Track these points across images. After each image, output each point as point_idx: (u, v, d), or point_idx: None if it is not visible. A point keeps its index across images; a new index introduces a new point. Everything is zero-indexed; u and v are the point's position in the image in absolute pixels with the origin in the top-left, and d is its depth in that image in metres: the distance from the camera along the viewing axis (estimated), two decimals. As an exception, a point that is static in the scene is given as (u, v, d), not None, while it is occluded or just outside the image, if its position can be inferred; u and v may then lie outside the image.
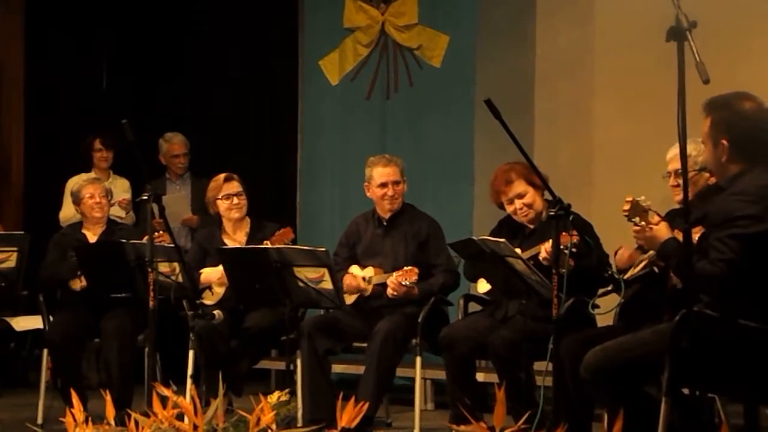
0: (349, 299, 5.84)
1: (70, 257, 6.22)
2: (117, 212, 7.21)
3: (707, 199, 4.35)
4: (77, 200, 6.53)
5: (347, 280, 5.87)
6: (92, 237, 6.49)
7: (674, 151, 4.76)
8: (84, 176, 7.16)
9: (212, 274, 6.09)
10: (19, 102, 8.07)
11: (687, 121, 3.49)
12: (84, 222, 6.57)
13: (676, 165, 4.72)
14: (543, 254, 5.07)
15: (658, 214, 4.18)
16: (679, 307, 3.65)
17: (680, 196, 4.52)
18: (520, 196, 5.39)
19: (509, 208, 5.45)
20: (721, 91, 3.90)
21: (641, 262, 4.52)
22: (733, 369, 3.72)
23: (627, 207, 4.13)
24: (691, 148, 4.49)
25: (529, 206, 5.40)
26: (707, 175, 4.54)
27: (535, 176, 4.94)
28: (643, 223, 4.11)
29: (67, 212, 7.39)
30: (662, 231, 4.08)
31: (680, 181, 4.38)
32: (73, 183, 6.97)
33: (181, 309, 5.91)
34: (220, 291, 6.09)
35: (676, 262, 3.98)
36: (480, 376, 5.68)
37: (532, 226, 5.43)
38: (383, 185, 5.88)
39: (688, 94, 3.47)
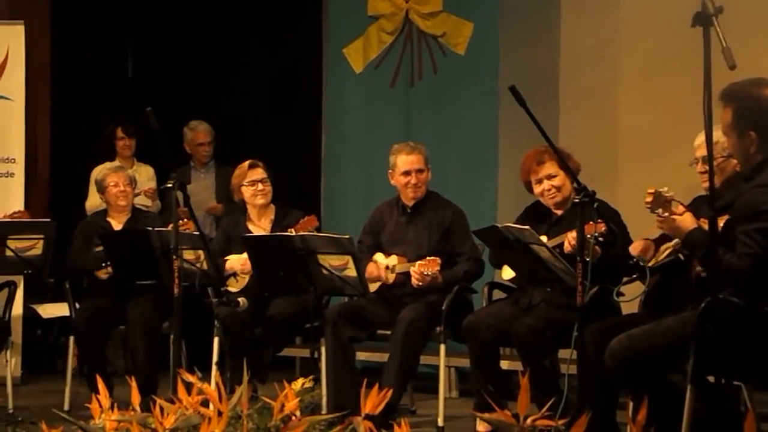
0: (373, 287, 5.83)
1: (96, 245, 6.25)
2: (143, 201, 7.23)
3: (733, 187, 4.33)
4: (101, 189, 6.57)
5: (370, 268, 5.87)
6: (117, 225, 6.52)
7: (702, 137, 4.72)
8: (108, 165, 7.19)
9: (237, 261, 6.11)
10: (46, 90, 8.10)
11: (713, 107, 3.47)
12: (109, 210, 6.60)
13: (704, 151, 4.69)
14: (567, 247, 5.05)
15: (682, 204, 4.15)
16: (704, 294, 3.63)
17: (708, 183, 4.51)
18: (550, 177, 5.36)
19: (537, 189, 5.42)
20: (747, 77, 3.87)
21: (666, 249, 4.49)
22: (759, 356, 3.70)
23: (649, 199, 4.10)
24: (718, 135, 4.45)
25: (558, 189, 5.36)
26: (735, 161, 4.49)
27: (568, 161, 4.93)
28: (666, 214, 4.08)
29: (93, 201, 7.42)
30: (687, 221, 4.05)
31: (708, 168, 4.36)
32: (98, 172, 7.00)
33: (205, 296, 5.94)
34: (244, 278, 6.11)
35: (702, 252, 3.95)
36: (504, 364, 5.67)
37: (559, 212, 5.41)
38: (407, 173, 5.88)
39: (714, 80, 3.46)
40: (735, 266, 3.70)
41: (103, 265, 6.22)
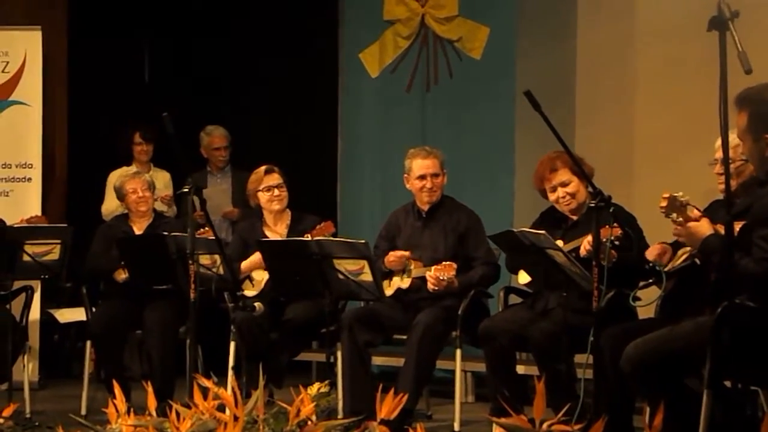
0: (388, 291, 5.84)
1: (114, 249, 6.27)
2: (159, 207, 7.25)
3: (750, 191, 4.32)
4: (121, 196, 6.58)
5: (390, 258, 5.84)
6: (138, 229, 6.55)
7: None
8: (126, 170, 7.21)
9: (251, 261, 6.12)
10: (63, 95, 8.13)
11: (729, 111, 3.47)
12: (130, 215, 6.62)
13: (727, 153, 4.66)
14: (584, 251, 5.04)
15: (698, 209, 4.13)
16: (721, 299, 3.62)
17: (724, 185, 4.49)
18: (564, 184, 5.35)
19: (551, 197, 5.42)
20: (763, 81, 3.86)
21: (683, 254, 4.48)
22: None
23: (664, 204, 4.08)
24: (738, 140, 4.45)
25: (572, 195, 5.35)
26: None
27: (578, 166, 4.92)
28: (680, 219, 4.07)
29: (109, 206, 7.45)
30: (703, 227, 4.03)
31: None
32: (115, 177, 7.02)
33: (222, 301, 5.95)
34: (260, 279, 6.11)
35: (718, 259, 3.93)
36: (520, 369, 5.65)
37: (575, 218, 5.40)
38: (422, 177, 5.87)
39: (730, 84, 3.45)
40: (752, 270, 3.69)
41: (122, 263, 6.23)
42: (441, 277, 5.59)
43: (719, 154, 4.69)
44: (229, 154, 7.95)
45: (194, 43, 8.75)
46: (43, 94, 7.60)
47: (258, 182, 6.27)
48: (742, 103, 3.87)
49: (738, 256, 3.68)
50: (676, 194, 4.08)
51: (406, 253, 5.85)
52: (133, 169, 7.30)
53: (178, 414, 3.85)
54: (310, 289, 5.55)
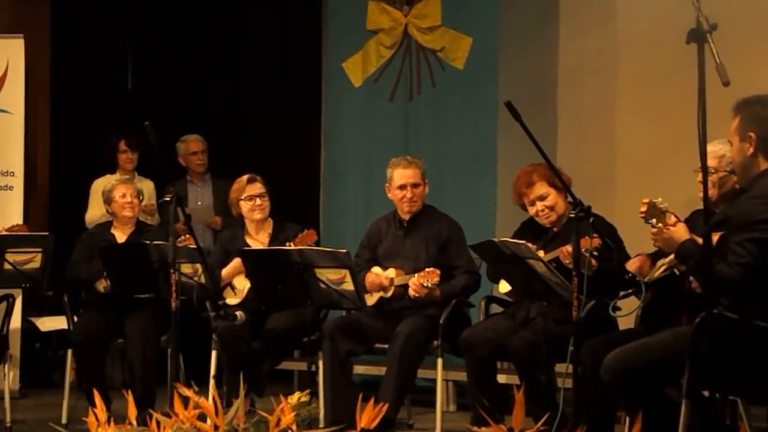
0: (371, 300, 5.84)
1: (96, 257, 6.26)
2: (141, 217, 7.22)
3: (730, 202, 4.35)
4: (108, 200, 6.56)
5: (370, 278, 5.87)
6: (121, 237, 6.53)
7: (710, 147, 4.72)
8: (110, 177, 7.19)
9: (231, 267, 6.12)
10: (45, 104, 8.10)
11: (707, 122, 3.50)
12: (114, 222, 6.60)
13: (711, 162, 4.69)
14: (563, 258, 5.07)
15: (676, 215, 4.16)
16: (699, 309, 3.64)
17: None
18: (542, 198, 5.37)
19: (531, 210, 5.44)
20: (741, 93, 3.91)
21: (662, 265, 4.51)
22: (754, 371, 3.71)
23: (644, 209, 4.12)
24: (725, 150, 4.48)
25: (551, 208, 5.38)
26: (735, 178, 4.51)
27: (557, 178, 4.94)
28: (660, 224, 4.10)
29: (93, 214, 7.42)
30: (680, 232, 4.07)
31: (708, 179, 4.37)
32: (99, 185, 6.99)
33: (203, 310, 5.94)
34: (242, 287, 6.11)
35: (694, 263, 3.97)
36: (501, 378, 5.67)
37: (555, 228, 5.42)
38: (402, 187, 5.88)
39: (709, 95, 3.48)
40: (726, 275, 3.71)
41: (102, 273, 6.22)
42: (424, 284, 5.60)
43: (705, 162, 4.72)
44: (206, 158, 7.91)
45: (177, 52, 8.74)
46: (25, 103, 7.57)
47: (240, 191, 6.27)
48: (738, 107, 3.92)
49: (714, 261, 3.71)
50: (655, 200, 4.11)
51: (386, 283, 5.85)
52: (117, 176, 7.28)
53: (158, 423, 3.86)
54: (291, 298, 5.55)
